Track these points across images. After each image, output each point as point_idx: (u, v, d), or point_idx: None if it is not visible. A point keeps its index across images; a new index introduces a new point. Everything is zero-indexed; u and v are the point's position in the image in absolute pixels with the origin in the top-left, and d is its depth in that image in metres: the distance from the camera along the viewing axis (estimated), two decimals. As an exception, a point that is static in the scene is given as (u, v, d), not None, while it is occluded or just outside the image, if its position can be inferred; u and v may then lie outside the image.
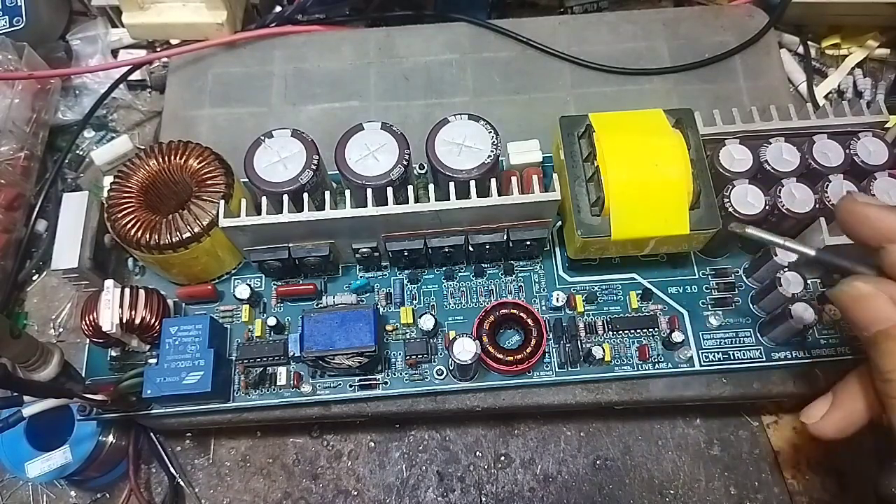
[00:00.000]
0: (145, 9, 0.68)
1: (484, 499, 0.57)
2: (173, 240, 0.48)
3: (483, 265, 0.54)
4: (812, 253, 0.41)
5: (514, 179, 0.47)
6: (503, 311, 0.50)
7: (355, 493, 0.57)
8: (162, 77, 0.68)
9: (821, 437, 0.42)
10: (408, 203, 0.47)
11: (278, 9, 0.69)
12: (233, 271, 0.55)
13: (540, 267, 0.54)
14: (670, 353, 0.52)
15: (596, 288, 0.53)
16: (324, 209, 0.47)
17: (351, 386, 0.51)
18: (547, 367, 0.51)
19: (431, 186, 0.47)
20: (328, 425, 0.59)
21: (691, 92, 0.63)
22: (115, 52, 0.72)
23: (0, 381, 0.40)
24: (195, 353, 0.48)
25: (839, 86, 0.72)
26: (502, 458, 0.58)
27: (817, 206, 0.49)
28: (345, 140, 0.49)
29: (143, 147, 0.56)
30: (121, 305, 0.48)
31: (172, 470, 0.57)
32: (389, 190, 0.47)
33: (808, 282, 0.53)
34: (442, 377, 0.51)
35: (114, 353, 0.51)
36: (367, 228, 0.49)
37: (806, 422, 0.43)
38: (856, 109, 0.53)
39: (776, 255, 0.50)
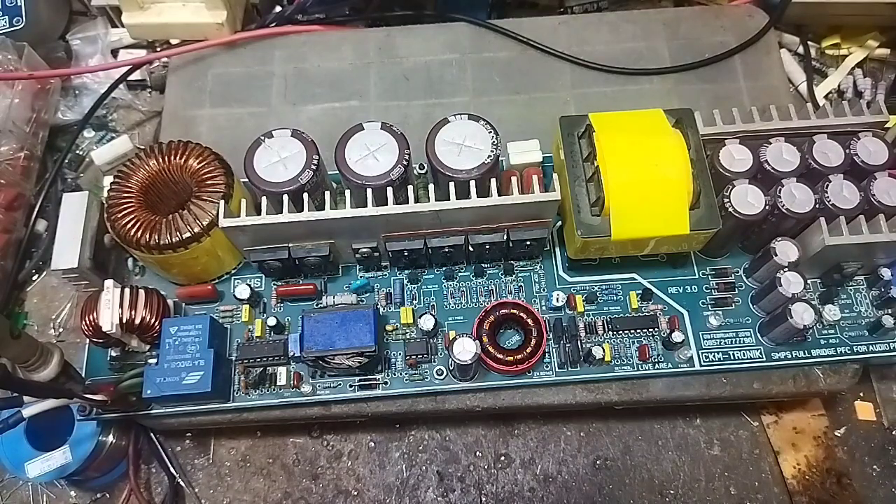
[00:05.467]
0: (145, 9, 0.68)
1: (484, 499, 0.57)
2: (173, 240, 0.48)
3: (483, 265, 0.54)
4: None
5: (514, 179, 0.47)
6: (503, 311, 0.50)
7: (355, 493, 0.57)
8: (162, 77, 0.68)
9: None
10: (408, 203, 0.47)
11: (278, 9, 0.69)
12: (233, 271, 0.55)
13: (540, 267, 0.54)
14: (670, 353, 0.52)
15: (596, 288, 0.53)
16: (324, 209, 0.47)
17: (351, 386, 0.51)
18: (547, 367, 0.51)
19: (431, 186, 0.47)
20: (328, 425, 0.59)
21: (691, 92, 0.63)
22: (115, 52, 0.72)
23: (0, 381, 0.40)
24: (195, 353, 0.48)
25: (839, 86, 0.72)
26: (502, 458, 0.58)
27: (817, 206, 0.49)
28: (345, 140, 0.49)
29: (143, 147, 0.56)
30: (121, 305, 0.48)
31: (172, 470, 0.57)
32: (389, 190, 0.47)
33: (808, 282, 0.53)
34: (442, 377, 0.51)
35: (114, 353, 0.51)
36: (367, 228, 0.49)
37: None
38: (856, 109, 0.53)
39: (776, 255, 0.50)
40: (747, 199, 0.49)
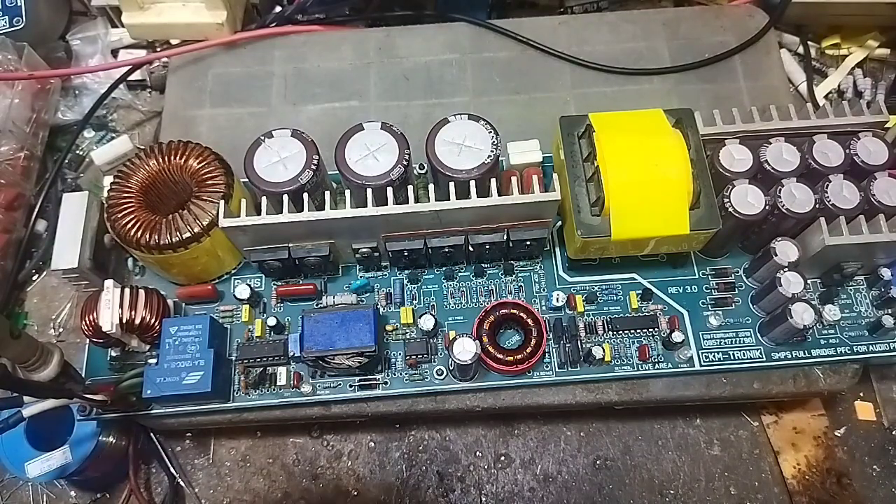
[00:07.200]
0: (145, 9, 0.68)
1: (484, 499, 0.57)
2: (173, 240, 0.48)
3: (483, 265, 0.54)
4: None
5: (514, 179, 0.47)
6: (503, 311, 0.50)
7: (355, 493, 0.57)
8: (162, 77, 0.68)
9: None
10: (408, 203, 0.47)
11: (278, 9, 0.69)
12: (233, 271, 0.55)
13: (540, 267, 0.54)
14: (670, 353, 0.52)
15: (596, 288, 0.53)
16: (324, 209, 0.47)
17: (351, 386, 0.51)
18: (547, 367, 0.51)
19: (431, 186, 0.47)
20: (328, 425, 0.59)
21: (691, 92, 0.63)
22: (115, 52, 0.72)
23: (0, 381, 0.40)
24: (195, 353, 0.48)
25: (839, 86, 0.72)
26: (502, 458, 0.58)
27: (817, 206, 0.49)
28: (345, 140, 0.49)
29: (143, 147, 0.56)
30: (121, 305, 0.48)
31: (172, 470, 0.57)
32: (389, 190, 0.47)
33: (808, 282, 0.53)
34: (442, 377, 0.51)
35: (114, 353, 0.51)
36: (367, 228, 0.49)
37: None
38: (856, 109, 0.53)
39: (776, 255, 0.50)
40: (747, 199, 0.49)
